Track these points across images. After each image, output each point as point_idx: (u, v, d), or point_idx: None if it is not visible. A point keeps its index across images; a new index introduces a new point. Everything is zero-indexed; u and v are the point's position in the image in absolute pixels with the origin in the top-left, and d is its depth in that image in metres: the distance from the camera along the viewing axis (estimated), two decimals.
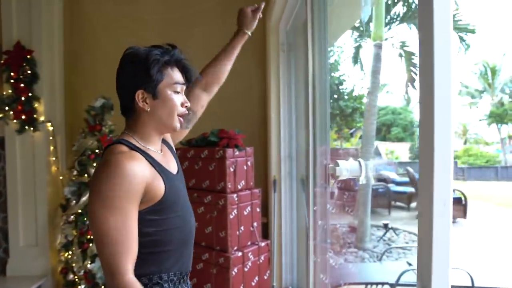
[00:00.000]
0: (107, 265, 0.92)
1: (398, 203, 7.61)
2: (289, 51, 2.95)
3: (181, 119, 1.11)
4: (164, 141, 1.21)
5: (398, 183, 7.96)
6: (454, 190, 7.08)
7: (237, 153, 2.59)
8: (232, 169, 2.57)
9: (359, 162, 1.12)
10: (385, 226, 5.47)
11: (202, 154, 2.65)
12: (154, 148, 1.10)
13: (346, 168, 1.10)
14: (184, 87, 1.13)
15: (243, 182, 2.64)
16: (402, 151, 16.93)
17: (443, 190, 0.72)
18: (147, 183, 0.98)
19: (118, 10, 3.38)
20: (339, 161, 1.09)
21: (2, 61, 2.91)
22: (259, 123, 3.18)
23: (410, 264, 2.95)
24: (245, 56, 3.23)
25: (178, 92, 1.09)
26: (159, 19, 3.30)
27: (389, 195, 7.23)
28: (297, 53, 2.87)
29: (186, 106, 1.11)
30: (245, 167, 2.67)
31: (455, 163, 16.84)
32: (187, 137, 2.77)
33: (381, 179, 8.08)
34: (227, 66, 1.43)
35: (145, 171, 0.98)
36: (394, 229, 5.70)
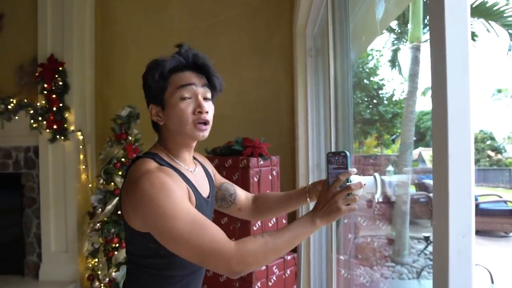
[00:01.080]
0: (207, 256, 0.83)
1: None
2: (316, 56, 2.84)
3: (202, 126, 0.97)
4: (202, 166, 1.15)
5: None
6: (506, 202, 6.52)
7: (261, 162, 2.50)
8: (256, 179, 2.49)
9: (374, 177, 0.99)
10: (426, 239, 5.10)
11: (226, 163, 2.59)
12: (185, 165, 1.03)
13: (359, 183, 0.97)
14: (199, 88, 0.97)
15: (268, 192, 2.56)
16: None
17: (461, 219, 0.59)
18: (187, 191, 0.94)
19: (147, 21, 3.43)
20: (352, 176, 0.97)
21: (37, 74, 3.03)
22: (286, 132, 3.08)
23: None
24: (272, 62, 3.21)
25: (187, 98, 0.96)
26: (186, 28, 3.32)
27: (431, 205, 6.77)
28: (325, 58, 2.75)
29: (200, 112, 0.96)
30: (270, 177, 2.58)
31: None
32: (213, 145, 2.77)
33: (422, 188, 7.62)
34: (274, 214, 1.28)
35: (180, 182, 0.93)
36: None
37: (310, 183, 1.14)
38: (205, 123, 0.98)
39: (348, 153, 0.93)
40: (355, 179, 0.97)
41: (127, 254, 1.03)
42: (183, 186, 0.93)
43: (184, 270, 0.99)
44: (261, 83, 3.19)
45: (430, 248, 5.07)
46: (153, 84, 0.96)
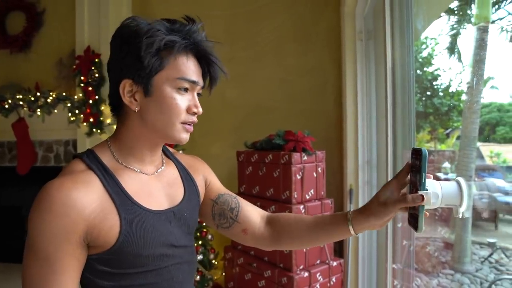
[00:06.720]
0: None
1: (507, 217, 6.43)
2: (367, 40, 2.54)
3: (189, 126, 0.79)
4: (180, 167, 0.90)
5: (508, 193, 6.74)
6: None
7: (305, 158, 2.27)
8: (299, 176, 2.26)
9: (458, 183, 0.72)
10: (491, 245, 4.56)
11: (266, 159, 2.39)
12: (138, 168, 0.80)
13: (436, 193, 0.71)
14: (199, 87, 0.80)
15: (312, 191, 2.33)
16: (511, 153, 14.68)
17: None
18: (89, 220, 0.69)
19: (185, 10, 3.19)
20: (428, 182, 0.71)
21: (74, 66, 3.01)
22: (333, 124, 2.82)
23: None
24: (318, 48, 2.94)
25: (185, 90, 0.77)
26: (226, 15, 3.14)
27: (495, 206, 6.15)
28: (377, 42, 2.45)
29: (195, 113, 0.79)
30: (314, 174, 2.35)
31: None
32: (253, 138, 2.57)
33: (483, 187, 6.96)
34: (297, 243, 0.93)
35: (88, 204, 0.69)
36: (504, 249, 4.73)
37: (351, 210, 0.81)
38: (191, 124, 0.80)
39: (424, 152, 0.67)
40: (430, 185, 0.71)
41: None
42: (81, 215, 0.68)
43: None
44: (305, 71, 2.94)
45: (495, 255, 4.54)
46: (146, 57, 0.72)
